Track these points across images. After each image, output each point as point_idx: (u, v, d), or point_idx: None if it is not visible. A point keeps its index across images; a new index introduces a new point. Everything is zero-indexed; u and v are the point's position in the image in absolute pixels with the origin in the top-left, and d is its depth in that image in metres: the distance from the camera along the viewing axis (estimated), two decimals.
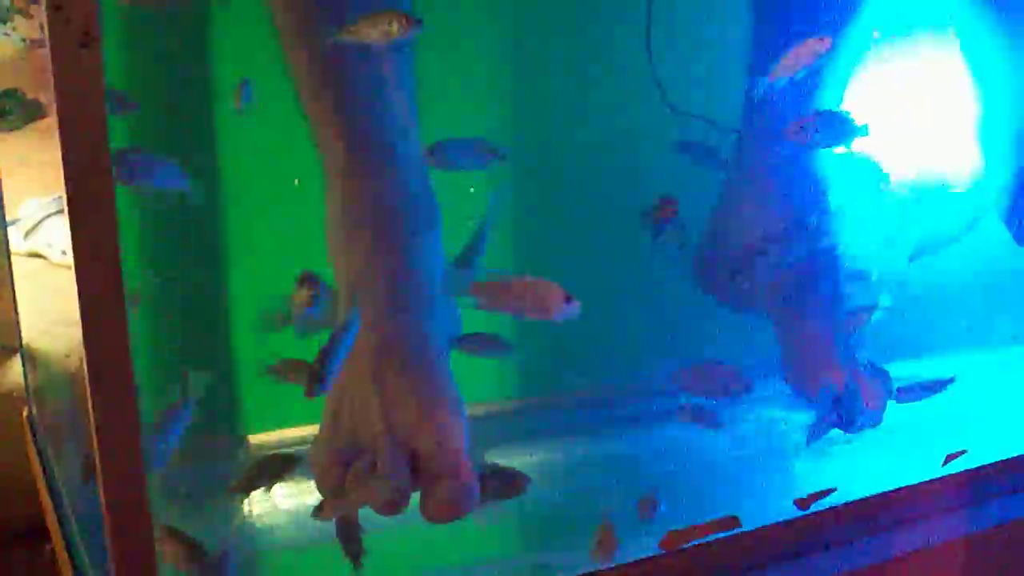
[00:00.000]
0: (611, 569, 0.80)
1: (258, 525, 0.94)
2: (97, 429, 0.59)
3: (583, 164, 1.15)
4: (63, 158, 0.55)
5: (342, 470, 0.84)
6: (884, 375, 1.05)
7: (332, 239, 0.93)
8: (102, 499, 0.60)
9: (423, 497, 0.82)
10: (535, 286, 0.80)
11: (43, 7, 0.53)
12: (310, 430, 0.93)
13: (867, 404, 1.00)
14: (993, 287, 1.26)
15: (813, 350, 1.05)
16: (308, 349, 0.83)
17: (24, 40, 1.33)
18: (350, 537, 0.82)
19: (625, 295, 1.13)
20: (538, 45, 1.13)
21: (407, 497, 0.82)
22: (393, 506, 0.81)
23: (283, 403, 1.04)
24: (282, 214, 1.00)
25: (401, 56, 0.95)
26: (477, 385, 1.09)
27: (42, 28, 0.54)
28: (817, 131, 0.98)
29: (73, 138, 0.55)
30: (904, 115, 1.09)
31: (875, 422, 1.01)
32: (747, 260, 1.13)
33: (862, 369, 1.03)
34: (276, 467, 0.86)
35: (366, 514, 0.82)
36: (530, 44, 1.13)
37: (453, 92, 1.07)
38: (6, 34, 1.32)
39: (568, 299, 0.79)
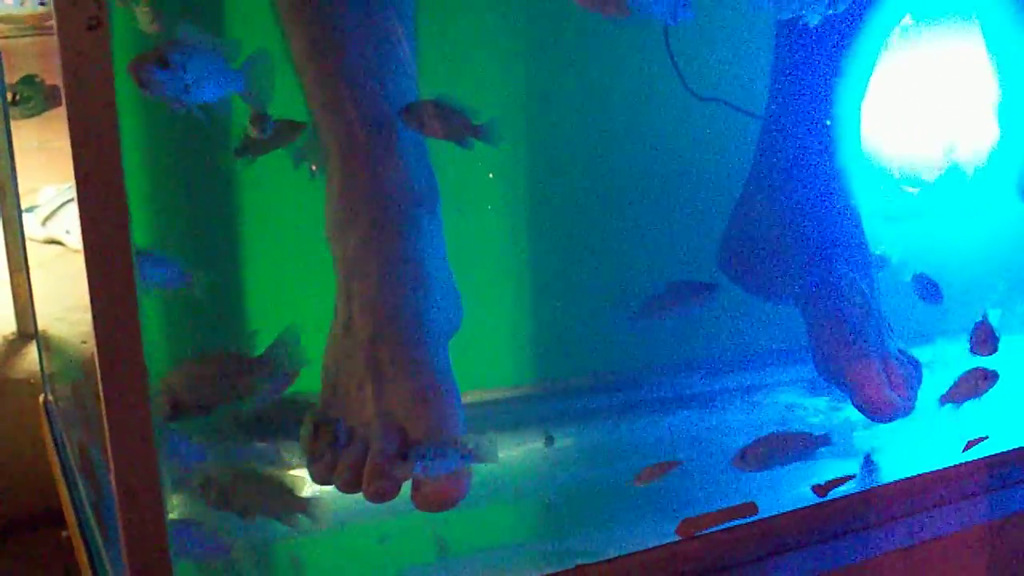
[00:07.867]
0: (628, 555, 0.80)
1: None
2: (108, 416, 0.59)
3: (596, 155, 1.14)
4: (72, 142, 0.55)
5: (333, 455, 0.84)
6: (915, 363, 1.03)
7: (330, 220, 0.93)
8: (113, 485, 0.60)
9: (414, 485, 0.81)
10: None
11: None
12: None
13: (897, 393, 0.98)
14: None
15: (842, 339, 1.03)
16: None
17: (42, 3, 1.33)
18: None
19: (639, 280, 1.12)
20: (548, 31, 1.12)
21: (397, 485, 0.81)
22: (381, 494, 0.81)
23: None
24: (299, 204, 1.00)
25: (403, 38, 0.94)
26: (483, 372, 1.09)
27: (47, 5, 0.54)
28: None
29: (82, 122, 0.55)
30: (928, 104, 1.08)
31: (907, 411, 0.99)
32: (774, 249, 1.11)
33: (892, 358, 1.02)
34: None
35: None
36: (540, 31, 1.12)
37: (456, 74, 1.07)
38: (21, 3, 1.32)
39: None
